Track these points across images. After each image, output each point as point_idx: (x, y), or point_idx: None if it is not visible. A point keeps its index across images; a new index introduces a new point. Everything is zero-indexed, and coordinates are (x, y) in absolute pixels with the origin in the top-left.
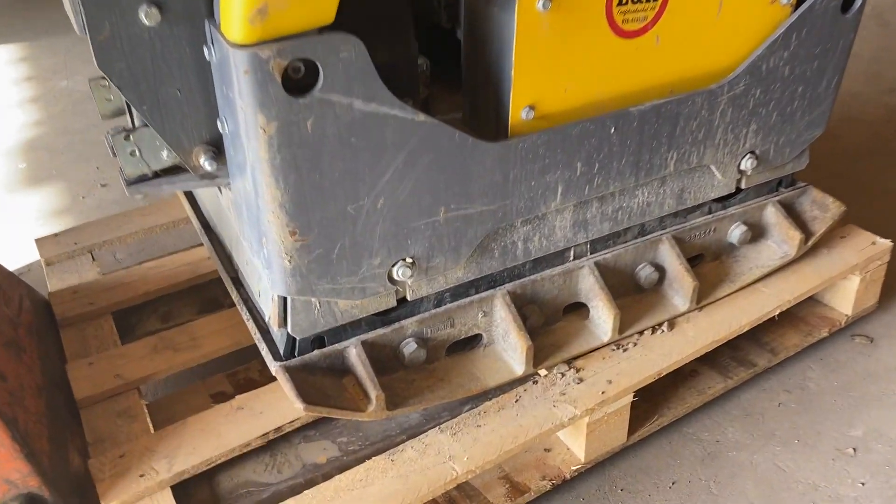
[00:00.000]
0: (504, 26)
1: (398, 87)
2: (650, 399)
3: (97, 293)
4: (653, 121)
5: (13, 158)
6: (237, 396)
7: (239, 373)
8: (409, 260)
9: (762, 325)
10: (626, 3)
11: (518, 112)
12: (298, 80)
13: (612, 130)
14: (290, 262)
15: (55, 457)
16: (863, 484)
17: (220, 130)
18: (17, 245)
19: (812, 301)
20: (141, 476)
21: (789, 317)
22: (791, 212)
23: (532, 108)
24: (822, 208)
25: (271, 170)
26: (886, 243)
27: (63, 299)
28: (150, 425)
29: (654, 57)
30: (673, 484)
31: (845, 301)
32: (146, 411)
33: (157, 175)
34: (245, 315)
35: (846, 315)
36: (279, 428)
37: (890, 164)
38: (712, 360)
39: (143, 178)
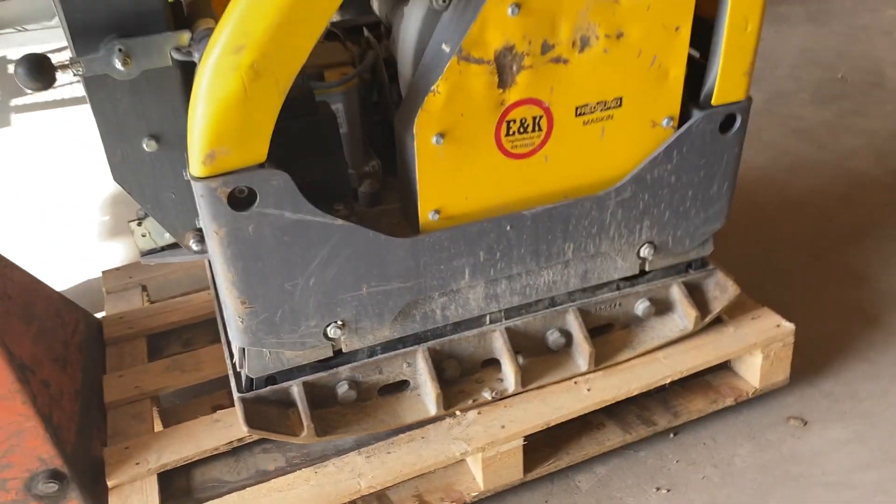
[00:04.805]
0: (409, 151)
1: (331, 194)
2: (554, 444)
3: (137, 320)
4: (545, 220)
5: (100, 211)
6: (216, 412)
7: None
8: (339, 322)
9: (673, 388)
10: (513, 134)
11: (426, 214)
12: (244, 198)
13: (508, 228)
14: (242, 322)
15: (79, 445)
16: None
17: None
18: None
19: (729, 371)
20: (137, 464)
21: (702, 383)
22: (695, 291)
23: (437, 211)
24: (723, 290)
25: (224, 260)
26: (789, 327)
27: (111, 323)
28: (156, 426)
29: (544, 172)
30: None
31: (753, 374)
32: (155, 415)
33: (163, 249)
34: (226, 353)
35: (754, 387)
36: (241, 439)
37: (877, 249)
38: (620, 416)
39: (153, 251)
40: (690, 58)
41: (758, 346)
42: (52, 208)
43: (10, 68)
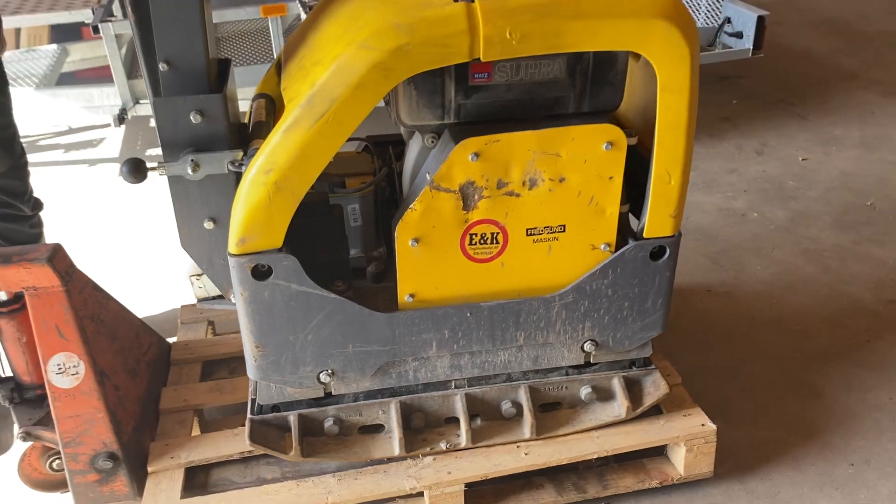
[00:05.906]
0: (393, 248)
1: (333, 273)
2: (497, 495)
3: (198, 348)
4: (500, 312)
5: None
6: (237, 428)
7: None
8: (330, 370)
9: (609, 463)
10: (475, 244)
11: (404, 297)
12: (264, 272)
13: (468, 314)
14: (255, 362)
15: (133, 437)
16: None
17: None
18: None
19: (664, 456)
20: (171, 458)
21: (637, 464)
22: (634, 385)
23: (412, 295)
24: (656, 388)
25: (245, 314)
26: (712, 427)
27: (178, 348)
28: (192, 432)
29: (501, 274)
30: None
31: (680, 463)
32: (194, 423)
33: (214, 298)
34: (250, 383)
35: (680, 475)
36: (251, 451)
37: (843, 371)
38: (559, 480)
39: (206, 299)
40: (642, 186)
41: (681, 440)
42: (156, 246)
43: (152, 122)
